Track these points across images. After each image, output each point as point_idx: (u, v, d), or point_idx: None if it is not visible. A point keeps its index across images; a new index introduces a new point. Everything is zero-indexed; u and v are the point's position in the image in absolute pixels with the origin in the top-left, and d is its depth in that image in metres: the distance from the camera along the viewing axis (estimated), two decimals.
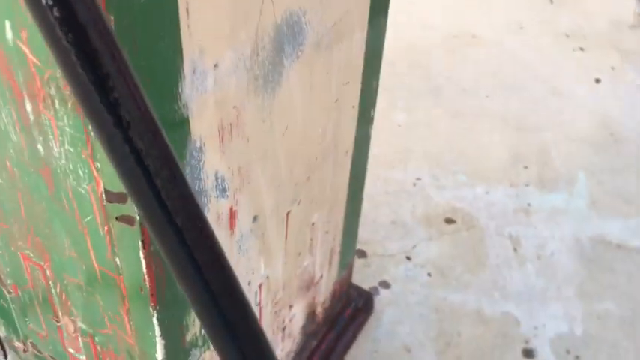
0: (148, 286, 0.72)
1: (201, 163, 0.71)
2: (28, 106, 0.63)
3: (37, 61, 0.58)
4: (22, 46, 0.58)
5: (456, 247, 1.68)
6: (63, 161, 0.66)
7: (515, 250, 1.67)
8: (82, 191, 0.67)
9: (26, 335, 1.00)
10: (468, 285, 1.60)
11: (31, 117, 0.64)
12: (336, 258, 1.27)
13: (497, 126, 2.03)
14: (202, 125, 0.68)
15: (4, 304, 0.98)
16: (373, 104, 1.13)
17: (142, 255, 0.68)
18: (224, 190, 0.78)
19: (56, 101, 0.61)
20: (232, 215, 0.82)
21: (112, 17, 0.51)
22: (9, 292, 0.95)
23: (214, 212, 0.77)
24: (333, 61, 0.91)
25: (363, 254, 1.64)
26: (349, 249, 1.33)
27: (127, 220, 0.66)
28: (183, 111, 0.64)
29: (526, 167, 1.89)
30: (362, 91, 1.05)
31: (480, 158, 1.92)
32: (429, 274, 1.61)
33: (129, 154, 0.35)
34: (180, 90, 0.63)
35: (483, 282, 1.61)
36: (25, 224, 0.79)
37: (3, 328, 1.05)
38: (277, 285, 1.05)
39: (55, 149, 0.65)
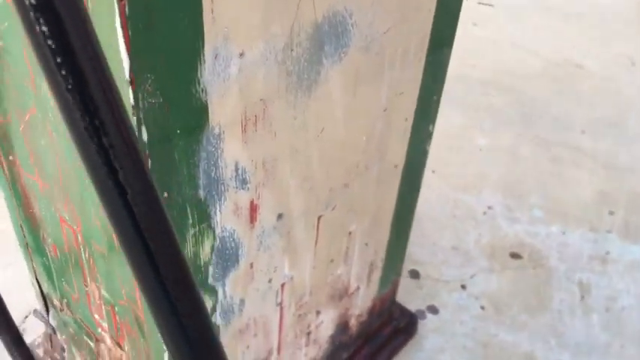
0: None
1: (219, 151, 0.71)
2: None
3: None
4: None
5: (517, 283, 1.58)
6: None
7: (582, 297, 1.54)
8: None
9: (62, 295, 1.06)
10: (524, 326, 1.50)
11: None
12: (377, 273, 1.23)
13: (587, 163, 1.89)
14: (223, 112, 0.68)
15: (46, 262, 1.04)
16: (432, 120, 1.08)
17: None
18: (245, 181, 0.77)
19: None
20: (253, 209, 0.81)
21: None
22: (49, 252, 1.00)
23: (232, 202, 0.77)
24: (384, 69, 0.88)
25: (415, 275, 1.59)
26: (394, 266, 1.29)
27: None
28: (201, 95, 0.64)
29: (612, 212, 1.74)
30: (418, 104, 1.01)
31: (562, 195, 1.80)
32: (483, 308, 1.52)
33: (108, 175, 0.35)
34: (199, 74, 0.63)
35: (541, 326, 1.50)
36: (62, 189, 0.83)
37: (46, 285, 1.11)
38: (303, 288, 1.03)
39: None
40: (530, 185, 1.82)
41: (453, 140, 1.95)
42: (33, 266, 1.09)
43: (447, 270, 1.61)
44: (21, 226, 1.02)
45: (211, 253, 0.79)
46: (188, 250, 0.76)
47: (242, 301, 0.91)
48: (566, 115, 2.05)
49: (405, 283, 1.56)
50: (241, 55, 0.66)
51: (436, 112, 1.09)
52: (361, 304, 1.25)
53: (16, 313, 1.31)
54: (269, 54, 0.69)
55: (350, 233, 1.06)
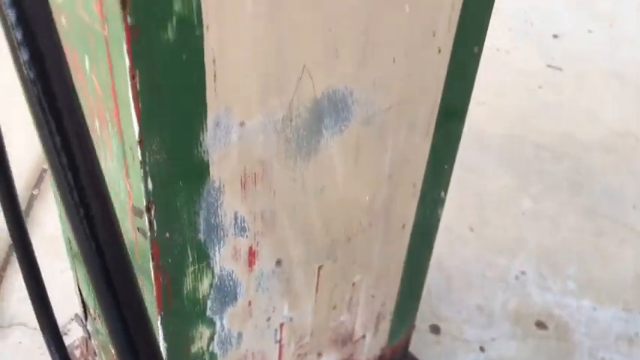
0: (154, 293, 0.84)
1: (219, 202, 0.81)
2: (96, 124, 0.80)
3: (100, 91, 0.74)
4: (92, 76, 0.75)
5: (538, 353, 1.57)
6: (112, 172, 0.81)
7: None
8: (120, 203, 0.82)
9: (94, 304, 1.20)
10: None
11: (98, 132, 0.81)
12: (386, 325, 1.29)
13: (632, 240, 1.85)
14: (223, 170, 0.79)
15: (85, 272, 1.18)
16: (443, 187, 1.15)
17: (151, 265, 0.81)
18: (243, 229, 0.87)
19: (109, 125, 0.76)
20: (252, 254, 0.91)
21: (137, 71, 0.64)
22: None
23: (231, 246, 0.87)
24: (387, 141, 0.96)
25: (436, 330, 1.62)
26: (404, 321, 1.34)
27: (143, 232, 0.79)
28: (203, 155, 0.76)
29: None
30: (428, 172, 1.07)
31: (600, 269, 1.77)
32: None
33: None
34: (201, 138, 0.74)
35: None
36: None
37: (85, 293, 1.26)
38: (304, 330, 1.11)
39: (109, 161, 0.81)
40: (569, 256, 1.81)
41: (498, 201, 1.97)
42: (76, 275, 1.24)
43: (468, 329, 1.63)
44: (68, 238, 1.18)
45: (210, 288, 0.90)
46: (187, 284, 0.86)
47: (240, 335, 1.00)
48: (619, 188, 2.02)
49: (424, 336, 1.60)
50: (241, 124, 0.77)
51: (448, 179, 1.15)
52: (368, 352, 1.31)
53: (64, 316, 1.47)
54: (268, 123, 0.79)
55: (354, 284, 1.13)
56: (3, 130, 0.92)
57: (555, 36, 2.80)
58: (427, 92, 0.96)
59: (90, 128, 0.78)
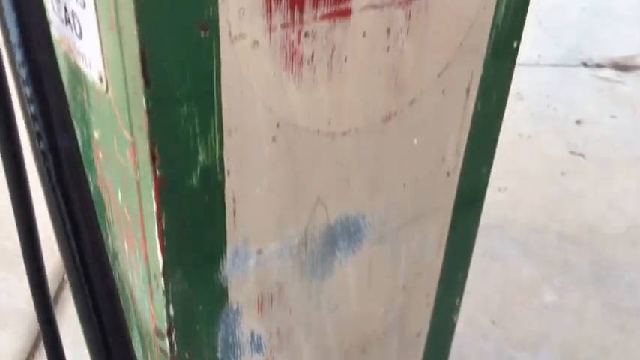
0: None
1: (236, 322, 0.86)
2: (126, 246, 0.86)
3: (130, 221, 0.81)
4: (124, 207, 0.81)
5: None
6: (138, 292, 0.87)
7: None
8: (145, 321, 0.87)
9: None
10: None
11: (127, 254, 0.87)
12: None
13: None
14: (241, 293, 0.84)
15: None
16: (458, 294, 1.17)
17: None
18: (260, 346, 0.91)
19: (137, 251, 0.82)
20: None
21: (163, 214, 0.71)
22: None
23: None
24: (400, 256, 1.00)
25: None
26: None
27: (164, 352, 0.84)
28: (222, 282, 0.81)
29: None
30: (441, 280, 1.11)
31: None
32: None
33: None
34: (220, 267, 0.80)
35: None
36: None
37: None
38: None
39: (136, 279, 0.87)
40: (592, 352, 1.78)
41: (520, 293, 1.97)
42: None
43: None
44: None
45: None
46: None
47: None
48: None
49: None
50: (259, 252, 0.82)
51: (462, 287, 1.18)
52: None
53: None
54: (284, 249, 0.85)
55: None
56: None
57: (578, 122, 2.85)
58: (438, 210, 1.01)
59: (120, 248, 0.85)
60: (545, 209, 2.32)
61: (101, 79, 0.72)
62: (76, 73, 0.79)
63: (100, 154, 0.83)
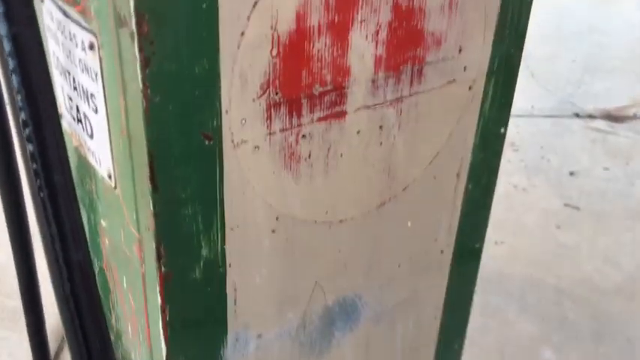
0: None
1: None
2: (129, 327, 0.89)
3: (134, 306, 0.84)
4: (129, 293, 0.85)
5: None
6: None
7: None
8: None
9: None
10: None
11: (130, 335, 0.90)
12: None
13: None
14: None
15: None
16: None
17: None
18: None
19: (140, 335, 0.85)
20: None
21: (167, 306, 0.74)
22: None
23: None
24: (396, 333, 1.03)
25: None
26: None
27: None
28: None
29: None
30: (437, 353, 1.13)
31: None
32: None
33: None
34: (221, 352, 0.82)
35: None
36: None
37: None
38: None
39: (139, 359, 0.89)
40: None
41: (520, 352, 1.98)
42: None
43: None
44: None
45: None
46: None
47: None
48: None
49: None
50: (259, 336, 0.85)
51: (459, 355, 1.20)
52: None
53: None
54: (283, 333, 0.87)
55: None
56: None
57: (572, 173, 2.89)
58: (432, 286, 1.04)
59: (124, 329, 0.88)
60: (542, 263, 2.35)
61: (110, 177, 0.76)
62: (85, 164, 0.83)
63: (107, 240, 0.86)
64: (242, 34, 0.64)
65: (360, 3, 0.71)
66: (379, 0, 0.72)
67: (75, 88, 0.77)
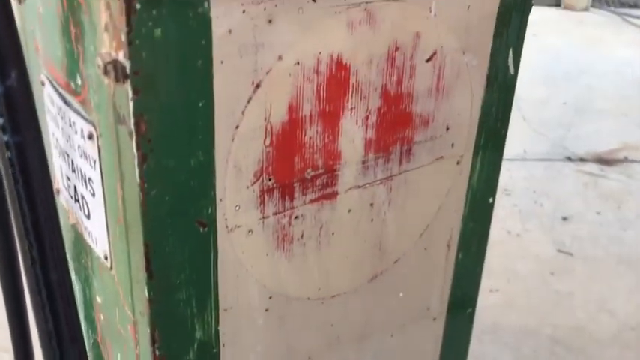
0: None
1: None
2: None
3: None
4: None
5: None
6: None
7: None
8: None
9: None
10: None
11: None
12: None
13: None
14: None
15: None
16: None
17: None
18: None
19: None
20: None
21: None
22: None
23: None
24: None
25: None
26: None
27: None
28: None
29: None
30: None
31: None
32: None
33: None
34: None
35: None
36: None
37: None
38: None
39: None
40: None
41: None
42: None
43: None
44: None
45: None
46: None
47: None
48: None
49: None
50: None
51: None
52: None
53: None
54: None
55: None
56: None
57: (565, 218, 2.92)
58: (425, 351, 1.05)
59: None
60: (537, 311, 2.35)
61: (106, 257, 0.78)
62: (82, 241, 0.85)
63: (102, 316, 0.87)
64: (236, 127, 0.66)
65: (350, 92, 0.74)
66: (368, 87, 0.75)
67: (73, 170, 0.79)
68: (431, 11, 0.76)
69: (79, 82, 0.70)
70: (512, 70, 0.89)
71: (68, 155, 0.79)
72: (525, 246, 2.73)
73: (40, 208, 0.55)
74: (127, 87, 0.58)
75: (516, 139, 3.65)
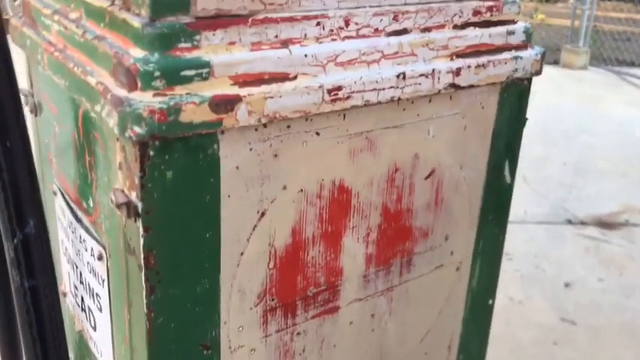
0: None
1: None
2: None
3: None
4: None
5: None
6: None
7: None
8: None
9: None
10: None
11: None
12: None
13: None
14: None
15: None
16: None
17: None
18: None
19: None
20: None
21: None
22: None
23: None
24: None
25: None
26: None
27: None
28: None
29: None
30: None
31: None
32: None
33: None
34: None
35: None
36: None
37: None
38: None
39: None
40: None
41: None
42: None
43: None
44: None
45: None
46: None
47: None
48: None
49: None
50: None
51: None
52: None
53: None
54: None
55: None
56: None
57: (567, 284, 2.91)
58: None
59: None
60: None
61: None
62: (87, 347, 0.86)
63: None
64: (242, 253, 0.69)
65: (352, 212, 0.76)
66: (369, 207, 0.78)
67: (81, 282, 0.81)
68: (429, 133, 0.79)
69: (91, 204, 0.73)
70: (508, 180, 0.92)
71: (77, 267, 0.82)
72: (528, 314, 2.72)
73: (52, 353, 0.57)
74: (139, 224, 0.61)
75: (516, 200, 3.68)
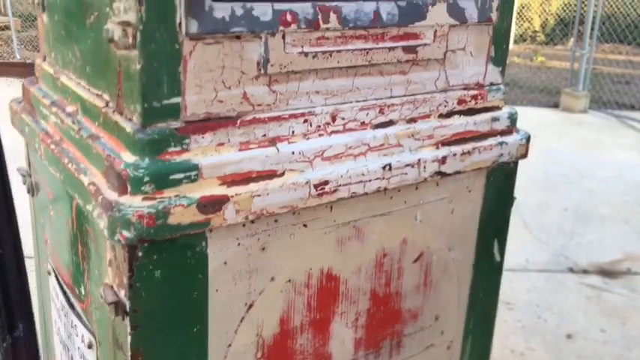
0: None
1: None
2: None
3: None
4: None
5: None
6: None
7: None
8: None
9: None
10: None
11: None
12: None
13: None
14: None
15: None
16: None
17: None
18: None
19: None
20: None
21: None
22: None
23: None
24: None
25: None
26: None
27: None
28: None
29: None
30: None
31: None
32: None
33: None
34: None
35: None
36: None
37: None
38: None
39: None
40: None
41: None
42: None
43: None
44: None
45: None
46: None
47: None
48: None
49: None
50: None
51: None
52: None
53: None
54: None
55: None
56: None
57: (569, 336, 2.88)
58: None
59: None
60: None
61: None
62: None
63: None
64: (229, 345, 0.69)
65: (340, 299, 0.77)
66: (358, 292, 0.78)
67: None
68: (416, 219, 0.81)
69: (83, 292, 0.74)
70: (497, 258, 0.93)
71: (69, 349, 0.82)
72: None
73: None
74: (127, 322, 0.62)
75: (518, 248, 3.67)
